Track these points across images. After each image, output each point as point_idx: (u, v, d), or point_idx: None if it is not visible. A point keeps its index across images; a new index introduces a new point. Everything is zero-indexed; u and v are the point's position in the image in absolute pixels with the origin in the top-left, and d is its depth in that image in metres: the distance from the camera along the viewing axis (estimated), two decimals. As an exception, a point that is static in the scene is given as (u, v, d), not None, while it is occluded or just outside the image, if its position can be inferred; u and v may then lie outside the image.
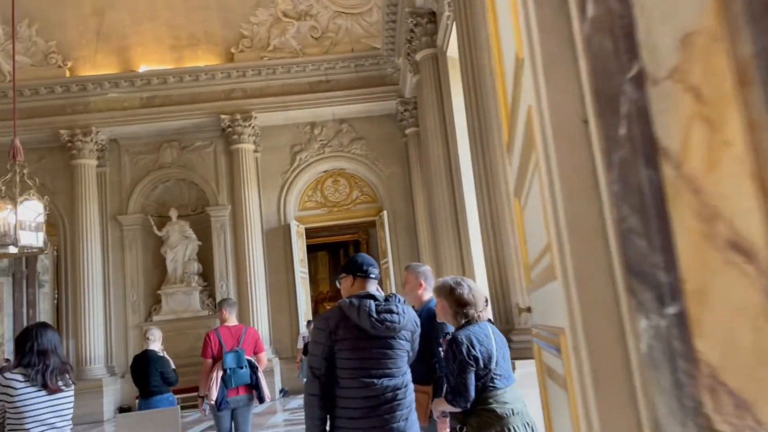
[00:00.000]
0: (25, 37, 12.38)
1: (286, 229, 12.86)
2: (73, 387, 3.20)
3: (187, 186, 13.27)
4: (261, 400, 5.03)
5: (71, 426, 3.21)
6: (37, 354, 3.03)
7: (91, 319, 11.95)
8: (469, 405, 2.71)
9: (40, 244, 6.50)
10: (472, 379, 2.68)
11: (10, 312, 17.66)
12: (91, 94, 12.46)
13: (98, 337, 12.03)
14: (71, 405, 3.18)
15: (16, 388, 2.96)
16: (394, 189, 13.05)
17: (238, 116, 12.49)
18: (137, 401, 5.96)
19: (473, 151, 5.23)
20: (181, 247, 12.74)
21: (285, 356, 12.34)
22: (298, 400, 11.43)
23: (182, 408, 11.99)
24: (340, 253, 19.24)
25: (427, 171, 9.46)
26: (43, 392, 3.00)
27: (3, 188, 6.44)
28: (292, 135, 13.20)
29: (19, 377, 2.99)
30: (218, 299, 12.43)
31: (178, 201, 13.23)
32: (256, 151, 12.90)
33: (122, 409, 12.00)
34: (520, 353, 3.99)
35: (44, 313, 15.10)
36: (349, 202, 13.55)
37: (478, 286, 3.11)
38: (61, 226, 12.67)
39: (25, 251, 6.70)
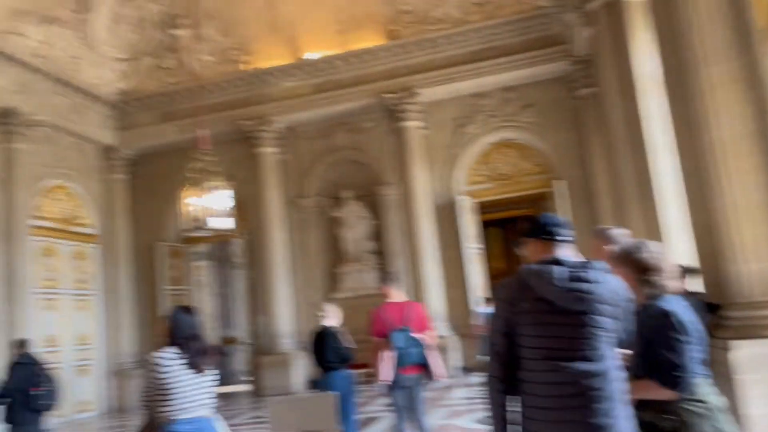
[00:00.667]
0: (208, 37, 13.39)
1: (455, 204, 12.64)
2: (213, 370, 3.31)
3: (359, 167, 13.57)
4: (431, 378, 4.87)
5: (214, 404, 3.31)
6: (188, 337, 3.21)
7: (279, 297, 12.76)
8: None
9: (230, 226, 6.93)
10: (692, 356, 2.23)
11: (215, 292, 19.64)
12: (268, 85, 13.18)
13: (285, 314, 12.81)
14: (213, 385, 3.30)
15: (165, 366, 3.14)
16: (567, 157, 12.22)
17: (403, 94, 12.45)
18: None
19: (672, 99, 4.52)
20: (356, 227, 13.09)
21: (463, 333, 12.18)
22: (478, 378, 11.24)
23: (361, 383, 12.43)
24: (513, 228, 18.64)
25: (607, 133, 8.64)
26: (192, 372, 3.16)
27: (193, 176, 6.94)
28: (457, 108, 12.90)
29: (169, 355, 3.17)
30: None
31: (352, 182, 13.57)
32: (422, 128, 12.81)
33: (311, 383, 12.71)
34: (738, 332, 3.36)
35: (240, 292, 16.45)
36: (519, 173, 12.97)
37: (665, 251, 2.58)
38: (249, 212, 13.64)
39: (219, 235, 7.20)
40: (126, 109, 13.76)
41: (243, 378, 14.43)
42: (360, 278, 12.98)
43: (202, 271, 19.55)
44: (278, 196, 13.20)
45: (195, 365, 3.16)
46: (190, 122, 13.41)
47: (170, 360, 3.15)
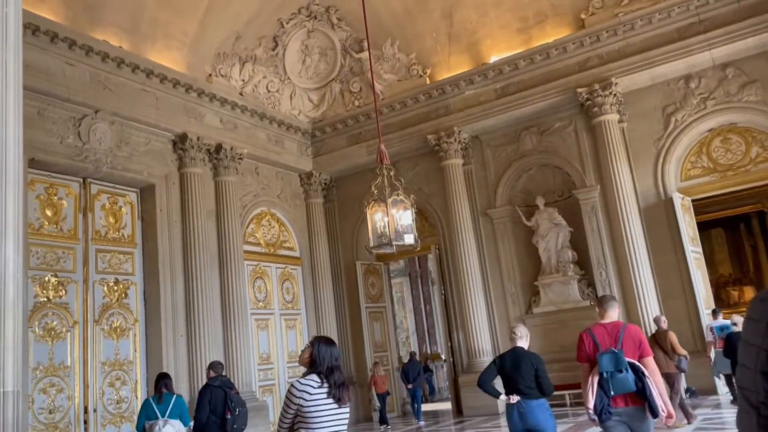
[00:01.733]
0: (390, 56, 13.53)
1: (668, 203, 11.13)
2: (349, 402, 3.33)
3: (551, 171, 12.66)
4: (654, 413, 3.98)
5: None
6: (332, 369, 3.22)
7: (475, 312, 12.28)
8: None
9: (412, 242, 6.65)
10: None
11: (411, 308, 19.80)
12: (450, 95, 12.90)
13: (483, 330, 12.28)
14: (347, 417, 3.31)
15: (311, 393, 3.13)
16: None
17: (596, 86, 11.35)
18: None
19: None
20: (552, 236, 12.18)
21: (689, 349, 10.60)
22: (711, 400, 9.66)
23: (570, 405, 11.40)
24: (739, 228, 16.12)
25: None
26: (333, 403, 3.17)
27: (375, 191, 6.80)
28: (662, 95, 11.42)
29: (314, 384, 3.17)
30: (598, 287, 11.53)
31: (544, 188, 12.72)
32: (621, 120, 11.55)
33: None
34: None
35: (437, 308, 16.25)
36: (746, 162, 11.07)
37: None
38: (439, 226, 13.43)
39: (407, 250, 6.96)
40: (319, 135, 14.41)
41: (446, 396, 14.11)
42: (561, 291, 12.02)
43: (401, 288, 19.88)
44: (468, 207, 12.79)
45: (337, 396, 3.16)
46: (377, 142, 13.64)
47: (315, 389, 3.15)
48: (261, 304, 12.83)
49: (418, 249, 6.97)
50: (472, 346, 12.21)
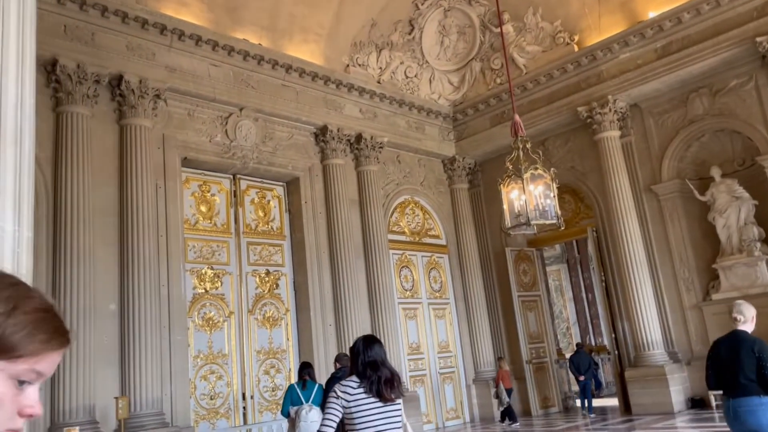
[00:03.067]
0: (532, 26, 12.61)
1: None
2: (401, 398, 3.29)
3: (728, 136, 11.01)
4: None
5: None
6: (367, 365, 3.17)
7: (642, 300, 11.03)
8: None
9: (553, 220, 5.94)
10: None
11: (570, 296, 18.57)
12: (602, 61, 11.70)
13: (652, 320, 11.00)
14: (400, 414, 3.26)
15: (351, 394, 3.13)
16: None
17: (783, 31, 9.59)
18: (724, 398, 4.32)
19: None
20: (732, 211, 10.58)
21: None
22: None
23: None
24: None
25: None
26: (377, 401, 3.13)
27: (510, 167, 6.17)
28: None
29: (353, 384, 3.16)
30: (794, 269, 9.77)
31: (720, 157, 11.10)
32: (817, 69, 9.69)
33: (694, 402, 10.61)
34: None
35: (598, 296, 15.01)
36: None
37: None
38: (596, 206, 12.29)
39: (544, 229, 6.28)
40: (461, 118, 13.87)
41: (612, 391, 12.94)
42: (747, 273, 10.40)
43: (558, 275, 18.73)
44: (628, 184, 11.53)
45: (380, 394, 3.11)
46: (523, 119, 12.78)
47: (354, 389, 3.13)
48: (408, 293, 12.62)
49: (562, 228, 6.22)
50: (639, 338, 10.98)
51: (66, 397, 7.40)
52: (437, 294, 13.23)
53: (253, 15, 10.61)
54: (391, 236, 12.50)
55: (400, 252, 12.72)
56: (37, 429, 7.16)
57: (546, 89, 12.53)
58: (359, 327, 10.86)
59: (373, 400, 3.09)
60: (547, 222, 6.00)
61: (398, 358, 11.42)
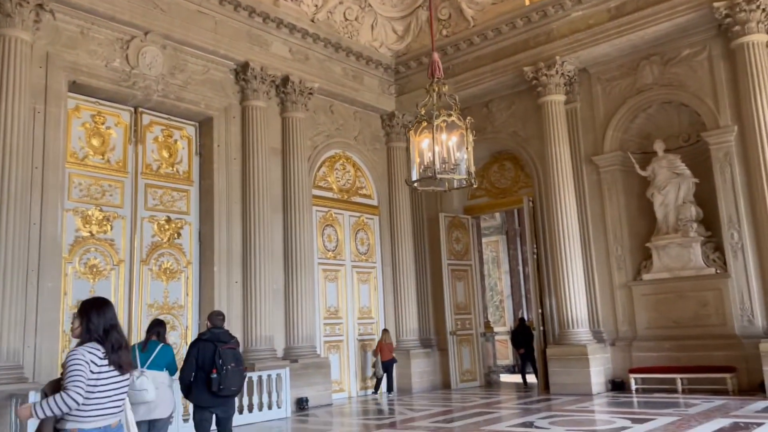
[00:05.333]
0: (483, -25, 11.66)
1: (833, 150, 8.63)
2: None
3: (675, 109, 10.41)
4: None
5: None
6: (111, 329, 2.71)
7: (570, 276, 10.46)
8: None
9: (462, 175, 5.12)
10: None
11: (507, 269, 18.05)
12: (553, 18, 10.86)
13: (579, 297, 10.45)
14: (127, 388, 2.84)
15: (98, 364, 2.64)
16: None
17: (741, -2, 8.92)
18: None
19: None
20: (671, 188, 10.04)
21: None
22: None
23: (683, 392, 9.39)
24: None
25: None
26: (116, 373, 2.71)
27: (422, 112, 5.29)
28: (835, 8, 8.78)
29: (99, 352, 2.66)
30: (727, 251, 9.30)
31: (665, 131, 10.51)
32: (773, 43, 9.07)
33: (615, 384, 10.18)
34: None
35: (530, 270, 14.47)
36: None
37: None
38: (534, 175, 11.60)
39: (457, 186, 5.46)
40: (403, 71, 12.90)
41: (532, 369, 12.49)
42: (680, 254, 9.92)
43: (496, 247, 18.17)
44: (568, 153, 10.85)
45: (120, 364, 2.69)
46: (467, 77, 11.97)
47: (101, 359, 2.64)
48: (330, 254, 11.77)
49: (474, 185, 5.42)
50: (564, 315, 10.43)
51: None
52: (363, 257, 12.42)
53: (167, -73, 9.33)
54: (316, 192, 11.57)
55: (326, 209, 11.82)
56: None
57: (493, 45, 11.66)
58: (269, 286, 10.00)
59: (113, 372, 2.64)
60: (456, 177, 5.17)
61: (311, 322, 10.62)
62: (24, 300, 7.39)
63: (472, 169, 5.32)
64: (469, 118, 5.66)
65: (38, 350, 7.54)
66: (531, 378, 12.54)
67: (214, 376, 4.78)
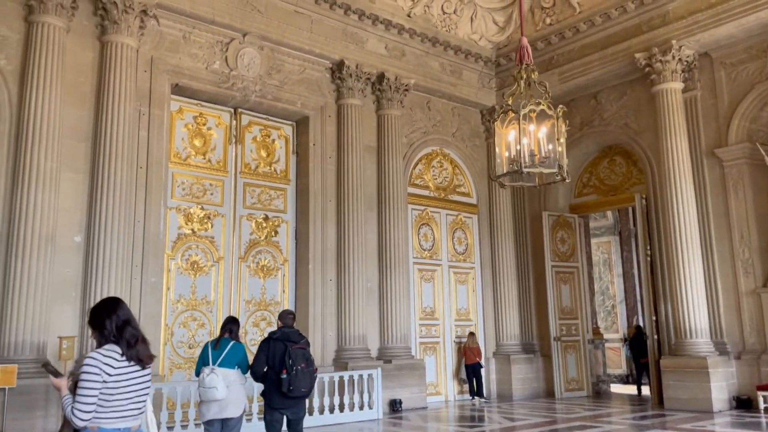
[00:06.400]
0: (589, -43, 10.90)
1: None
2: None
3: (816, 94, 9.16)
4: None
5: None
6: (123, 326, 2.61)
7: (689, 281, 9.50)
8: None
9: (553, 168, 4.67)
10: None
11: (620, 272, 16.90)
12: (668, 0, 9.94)
13: (699, 304, 9.48)
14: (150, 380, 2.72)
15: (115, 366, 2.54)
16: None
17: None
18: None
19: None
20: (810, 184, 8.82)
21: None
22: None
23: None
24: None
25: None
26: (136, 368, 2.59)
27: (510, 101, 4.90)
28: None
29: (116, 353, 2.57)
30: None
31: (803, 119, 9.28)
32: None
33: (740, 402, 9.14)
34: None
35: (642, 273, 13.42)
36: None
37: None
38: (648, 171, 10.70)
39: (547, 180, 5.01)
40: (504, 64, 12.38)
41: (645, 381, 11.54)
42: (821, 260, 8.69)
43: (608, 248, 17.07)
44: (687, 146, 9.88)
45: (139, 357, 2.59)
46: (573, 67, 11.27)
47: (119, 360, 2.54)
48: (426, 253, 11.51)
49: (567, 180, 4.91)
50: (681, 323, 9.50)
51: (12, 331, 6.80)
52: (461, 257, 12.04)
53: (264, -70, 9.48)
54: (411, 190, 11.36)
55: (422, 208, 11.57)
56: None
57: (601, 32, 10.88)
58: (364, 284, 9.91)
59: (134, 368, 2.55)
60: (546, 171, 4.72)
61: (406, 322, 10.41)
62: (129, 294, 7.74)
63: (565, 162, 4.84)
64: (560, 106, 5.17)
65: (141, 342, 7.87)
66: (646, 390, 11.61)
67: (284, 376, 4.68)
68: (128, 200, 7.86)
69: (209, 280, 9.07)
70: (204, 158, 9.29)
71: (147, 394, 2.61)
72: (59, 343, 6.74)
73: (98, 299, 7.21)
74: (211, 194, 9.27)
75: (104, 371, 2.43)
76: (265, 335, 9.16)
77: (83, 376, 2.42)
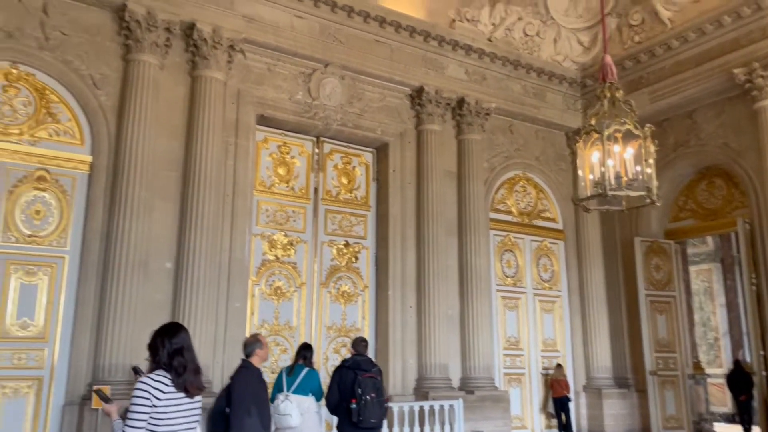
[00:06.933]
0: (680, -29, 10.43)
1: None
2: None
3: None
4: None
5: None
6: (174, 354, 2.65)
7: (802, 313, 8.68)
8: None
9: (640, 191, 4.38)
10: None
11: (723, 302, 15.74)
12: (770, 10, 9.32)
13: (815, 339, 8.63)
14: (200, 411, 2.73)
15: (164, 392, 2.58)
16: None
17: None
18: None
19: None
20: None
21: None
22: None
23: None
24: None
25: None
26: (183, 397, 2.62)
27: (593, 121, 4.68)
28: None
29: (166, 379, 2.61)
30: None
31: None
32: None
33: None
34: None
35: (747, 303, 12.43)
36: None
37: None
38: (752, 193, 9.95)
39: (633, 205, 4.72)
40: (591, 84, 11.96)
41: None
42: None
43: (708, 276, 15.96)
44: (795, 166, 9.12)
45: (186, 387, 2.58)
46: (665, 85, 10.76)
47: (168, 386, 2.58)
48: (510, 280, 11.18)
49: (657, 203, 4.55)
50: (794, 360, 8.67)
51: (107, 354, 7.14)
52: (546, 285, 11.62)
53: (346, -37, 9.72)
54: (493, 215, 11.12)
55: (504, 233, 11.29)
56: (60, 382, 7.04)
57: (695, 48, 10.33)
58: (444, 312, 9.74)
59: (181, 397, 2.57)
60: (633, 194, 4.45)
61: (488, 351, 10.11)
62: (214, 318, 7.97)
63: (654, 184, 4.54)
64: (648, 126, 4.87)
65: (225, 366, 8.04)
66: (757, 430, 10.66)
67: (354, 406, 4.61)
68: (215, 227, 8.13)
69: (291, 306, 9.20)
70: (287, 186, 9.50)
71: (196, 423, 2.61)
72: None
73: (187, 323, 7.50)
74: (294, 221, 9.46)
75: (153, 395, 2.46)
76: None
77: (133, 400, 2.46)
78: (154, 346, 2.60)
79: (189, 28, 8.35)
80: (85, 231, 7.52)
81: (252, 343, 4.52)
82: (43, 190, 7.46)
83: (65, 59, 7.70)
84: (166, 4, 8.13)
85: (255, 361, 4.45)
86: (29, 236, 7.31)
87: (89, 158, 7.74)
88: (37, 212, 7.38)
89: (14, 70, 7.48)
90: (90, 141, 7.79)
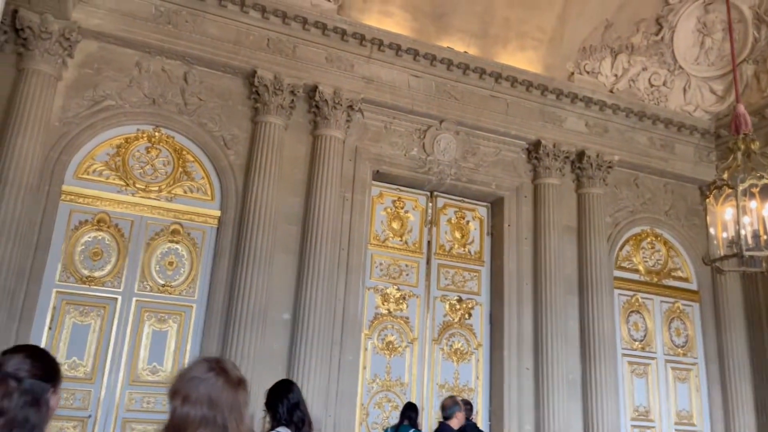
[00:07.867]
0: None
1: None
2: None
3: None
4: None
5: None
6: (293, 408, 2.67)
7: None
8: None
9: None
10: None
11: None
12: None
13: None
14: None
15: None
16: None
17: None
18: None
19: None
20: None
21: None
22: None
23: None
24: None
25: None
26: None
27: (726, 176, 4.31)
28: None
29: None
30: None
31: None
32: None
33: None
34: None
35: None
36: None
37: None
38: None
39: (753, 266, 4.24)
40: (725, 135, 11.15)
41: None
42: None
43: None
44: None
45: None
46: (812, 134, 9.78)
47: None
48: (637, 344, 10.40)
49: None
50: None
51: (225, 400, 7.40)
52: (680, 351, 10.68)
53: (462, 21, 9.91)
54: (618, 273, 10.49)
55: (630, 293, 10.59)
56: None
57: None
58: (564, 376, 9.20)
59: None
60: (761, 255, 4.00)
61: (616, 421, 9.38)
62: (327, 371, 8.06)
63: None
64: (790, 179, 4.41)
65: (337, 419, 8.07)
66: None
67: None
68: (330, 280, 8.32)
69: (403, 361, 9.11)
70: (401, 240, 9.57)
71: None
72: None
73: (301, 374, 7.65)
74: (407, 275, 9.47)
75: None
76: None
77: None
78: (273, 405, 2.66)
79: (312, 91, 8.82)
80: (212, 282, 7.97)
81: (451, 406, 4.52)
82: (177, 242, 8.04)
83: (201, 122, 8.39)
84: (292, 69, 8.68)
85: (453, 423, 4.42)
86: (162, 285, 7.86)
87: (218, 213, 8.27)
88: (170, 263, 7.95)
89: (157, 133, 8.25)
90: (219, 197, 8.35)
